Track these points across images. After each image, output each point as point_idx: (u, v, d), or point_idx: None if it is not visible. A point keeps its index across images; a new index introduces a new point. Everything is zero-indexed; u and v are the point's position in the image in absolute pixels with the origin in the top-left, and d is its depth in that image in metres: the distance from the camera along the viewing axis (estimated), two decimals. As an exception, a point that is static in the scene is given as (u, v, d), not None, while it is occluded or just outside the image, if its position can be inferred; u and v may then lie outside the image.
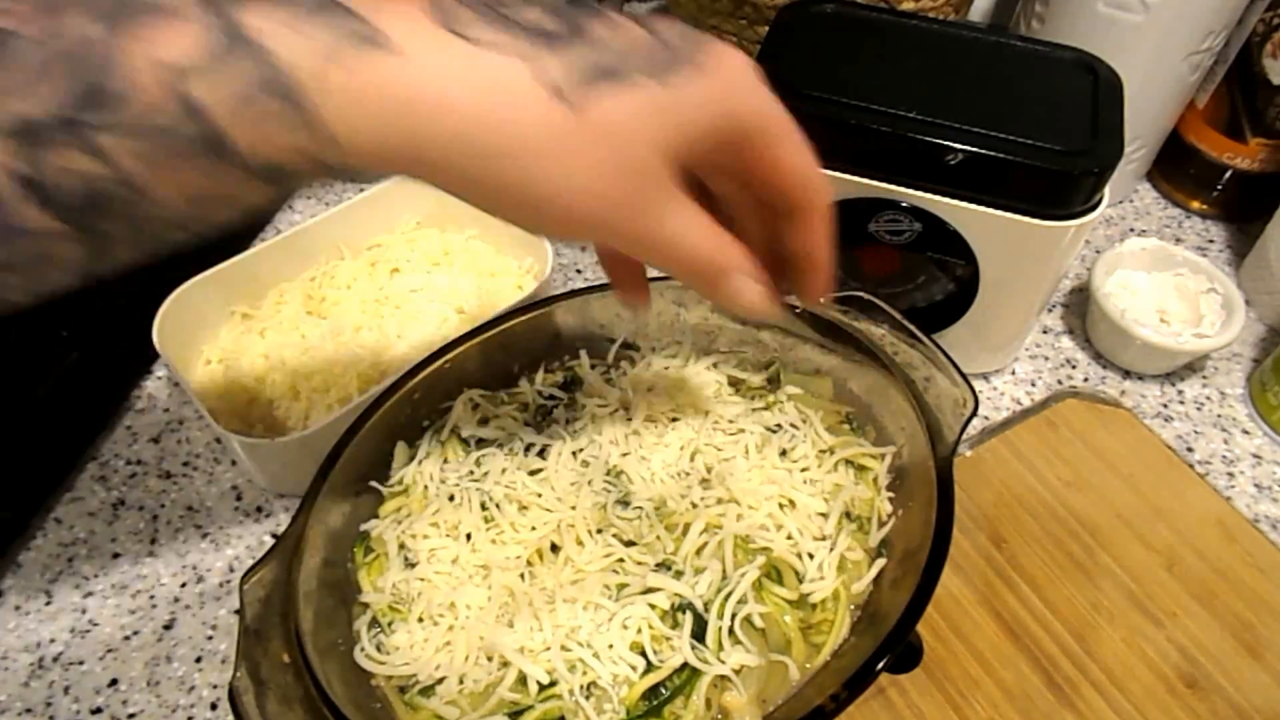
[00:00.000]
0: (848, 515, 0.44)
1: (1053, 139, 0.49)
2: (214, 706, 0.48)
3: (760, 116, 0.32)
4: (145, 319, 0.55)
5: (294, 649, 0.36)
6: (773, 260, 0.36)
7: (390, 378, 0.50)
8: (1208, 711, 0.46)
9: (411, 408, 0.47)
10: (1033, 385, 0.63)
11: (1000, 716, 0.46)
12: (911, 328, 0.46)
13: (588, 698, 0.38)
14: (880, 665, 0.35)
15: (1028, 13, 0.69)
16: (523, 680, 0.39)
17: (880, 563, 0.42)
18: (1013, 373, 0.64)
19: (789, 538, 0.42)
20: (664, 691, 0.38)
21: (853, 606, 0.41)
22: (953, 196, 0.51)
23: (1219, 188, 0.73)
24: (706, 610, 0.40)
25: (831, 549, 0.42)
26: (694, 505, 0.44)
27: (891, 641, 0.35)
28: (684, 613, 0.40)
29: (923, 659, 0.48)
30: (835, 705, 0.34)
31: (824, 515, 0.44)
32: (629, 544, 0.43)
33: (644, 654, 0.39)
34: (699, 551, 0.42)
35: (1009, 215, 0.50)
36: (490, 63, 0.27)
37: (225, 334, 0.59)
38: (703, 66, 0.30)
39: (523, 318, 0.49)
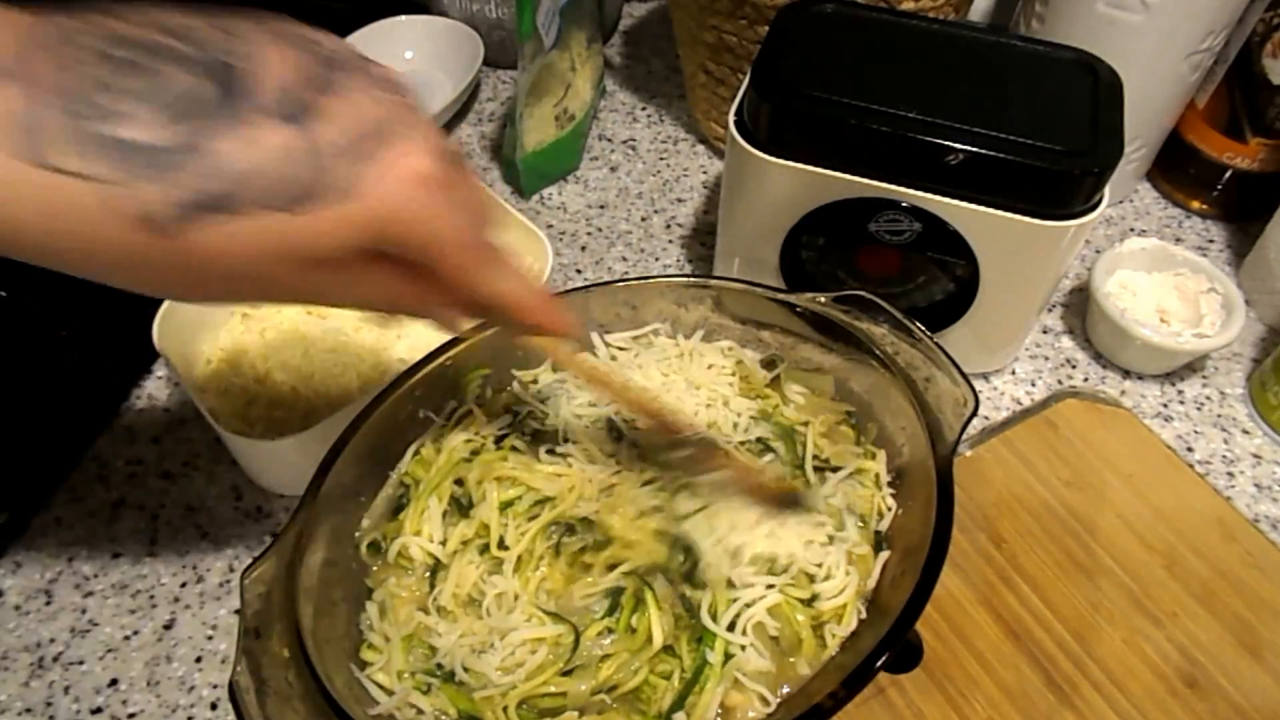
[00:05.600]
0: (848, 509, 0.44)
1: (1053, 139, 0.49)
2: (214, 706, 0.48)
3: (422, 245, 0.30)
4: (145, 319, 0.55)
5: (294, 644, 0.36)
6: None
7: (391, 376, 0.50)
8: (1208, 711, 0.46)
9: (413, 404, 0.47)
10: (1033, 385, 0.63)
11: (1000, 716, 0.46)
12: (912, 326, 0.46)
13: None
14: (879, 663, 0.35)
15: (1028, 13, 0.69)
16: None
17: (884, 555, 0.42)
18: (1013, 373, 0.64)
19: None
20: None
21: (860, 601, 0.42)
22: (953, 196, 0.51)
23: (1219, 188, 0.73)
24: (715, 616, 0.40)
25: (832, 542, 0.42)
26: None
27: (890, 639, 0.35)
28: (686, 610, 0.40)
29: (923, 659, 0.48)
30: (834, 703, 0.34)
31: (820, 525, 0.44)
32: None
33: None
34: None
35: (1009, 215, 0.50)
36: (68, 194, 0.25)
37: (225, 334, 0.59)
38: (348, 190, 0.28)
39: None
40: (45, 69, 0.25)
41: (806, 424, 0.48)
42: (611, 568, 0.42)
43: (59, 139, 0.25)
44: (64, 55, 0.25)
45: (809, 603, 0.41)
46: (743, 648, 0.39)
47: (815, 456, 0.46)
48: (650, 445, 0.46)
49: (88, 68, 0.26)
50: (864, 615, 0.41)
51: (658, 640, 0.39)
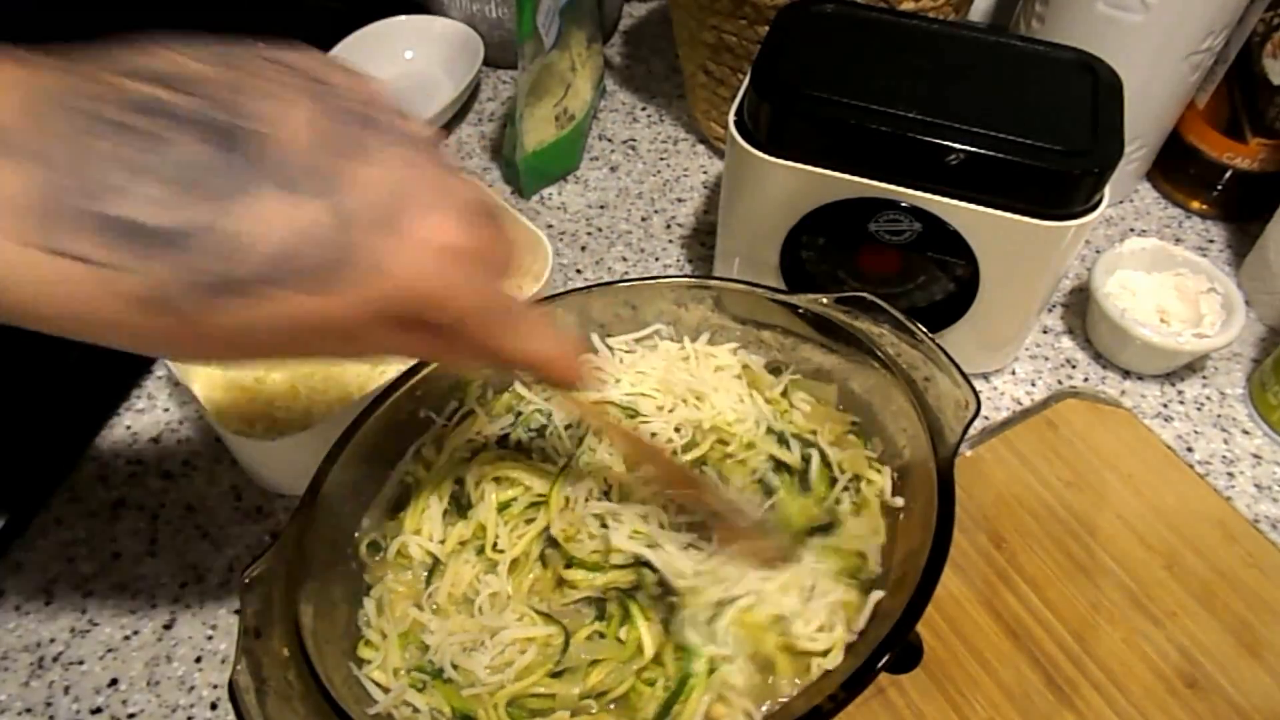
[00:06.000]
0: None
1: (1053, 139, 0.49)
2: (214, 706, 0.48)
3: (446, 315, 0.30)
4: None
5: (294, 644, 0.36)
6: None
7: (391, 376, 0.50)
8: (1208, 711, 0.46)
9: (414, 405, 0.47)
10: (1033, 385, 0.63)
11: (1000, 716, 0.46)
12: (913, 327, 0.45)
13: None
14: (879, 665, 0.35)
15: (1028, 13, 0.69)
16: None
17: (876, 595, 0.40)
18: (1013, 373, 0.64)
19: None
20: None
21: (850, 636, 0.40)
22: (953, 196, 0.51)
23: (1219, 188, 0.73)
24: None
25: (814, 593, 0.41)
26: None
27: (891, 640, 0.35)
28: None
29: (923, 659, 0.48)
30: (834, 705, 0.34)
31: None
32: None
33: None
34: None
35: (1009, 215, 0.50)
36: (72, 277, 0.24)
37: (225, 334, 0.59)
38: (373, 268, 0.27)
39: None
40: (51, 140, 0.24)
41: (814, 432, 0.48)
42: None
43: (64, 222, 0.24)
44: (71, 123, 0.24)
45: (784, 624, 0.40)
46: (726, 658, 0.39)
47: (827, 463, 0.46)
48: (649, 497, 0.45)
49: (96, 138, 0.24)
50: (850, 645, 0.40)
51: (648, 651, 0.39)
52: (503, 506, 0.44)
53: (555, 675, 0.40)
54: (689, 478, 0.44)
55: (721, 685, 0.38)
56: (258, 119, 0.26)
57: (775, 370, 0.51)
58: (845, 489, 0.45)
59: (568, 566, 0.42)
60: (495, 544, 0.43)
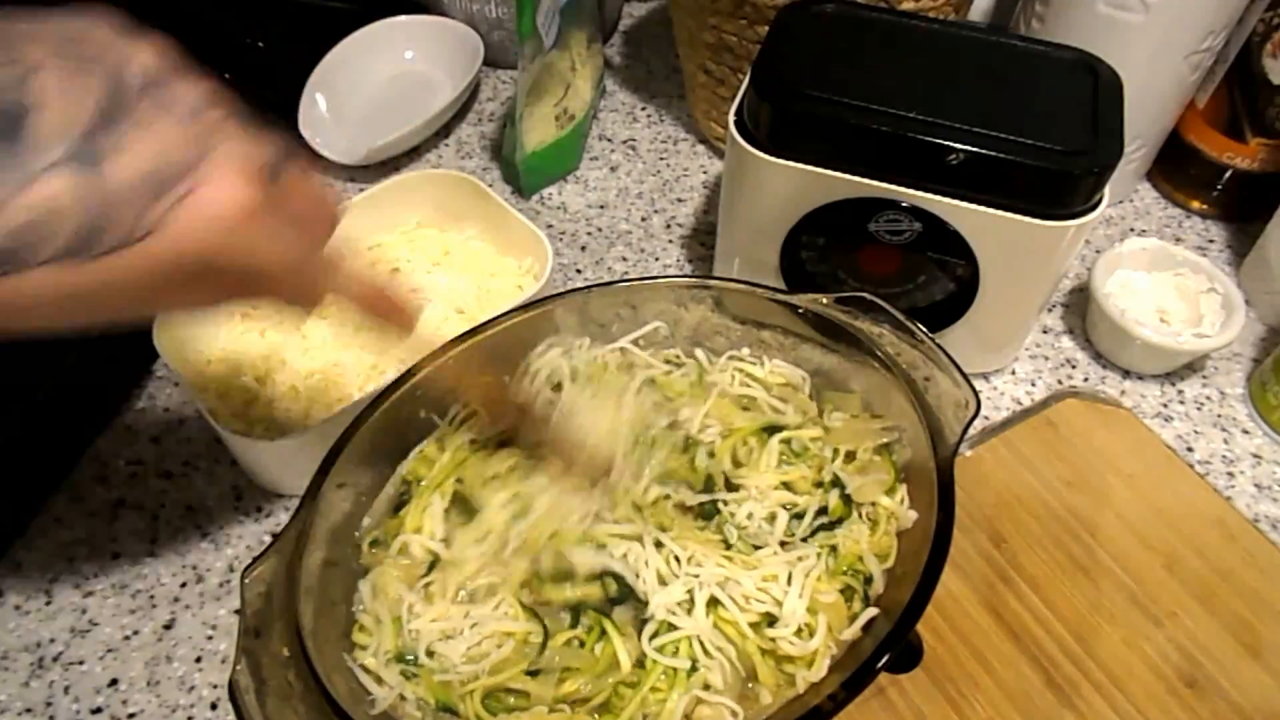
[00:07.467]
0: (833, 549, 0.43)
1: (1053, 139, 0.49)
2: (214, 706, 0.48)
3: (241, 272, 0.30)
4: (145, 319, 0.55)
5: (294, 644, 0.36)
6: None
7: (391, 376, 0.50)
8: (1208, 711, 0.46)
9: (414, 404, 0.47)
10: (1033, 385, 0.63)
11: (1000, 716, 0.46)
12: (914, 327, 0.45)
13: None
14: (879, 665, 0.35)
15: (1028, 13, 0.69)
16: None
17: (870, 612, 0.40)
18: (1013, 373, 0.64)
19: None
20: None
21: (833, 649, 0.40)
22: (953, 196, 0.51)
23: (1219, 188, 0.73)
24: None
25: (800, 591, 0.40)
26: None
27: (892, 640, 0.35)
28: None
29: (923, 659, 0.48)
30: (834, 705, 0.34)
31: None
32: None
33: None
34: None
35: (1009, 215, 0.50)
36: None
37: (225, 334, 0.59)
38: (148, 230, 0.27)
39: (523, 315, 0.49)
40: None
41: (839, 452, 0.47)
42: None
43: None
44: None
45: (769, 625, 0.40)
46: (704, 652, 0.39)
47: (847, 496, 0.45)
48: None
49: None
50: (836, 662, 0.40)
51: (626, 666, 0.39)
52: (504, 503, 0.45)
53: (532, 674, 0.40)
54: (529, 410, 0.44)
55: (701, 685, 0.38)
56: (19, 89, 0.26)
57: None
58: (863, 518, 0.44)
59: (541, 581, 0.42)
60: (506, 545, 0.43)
